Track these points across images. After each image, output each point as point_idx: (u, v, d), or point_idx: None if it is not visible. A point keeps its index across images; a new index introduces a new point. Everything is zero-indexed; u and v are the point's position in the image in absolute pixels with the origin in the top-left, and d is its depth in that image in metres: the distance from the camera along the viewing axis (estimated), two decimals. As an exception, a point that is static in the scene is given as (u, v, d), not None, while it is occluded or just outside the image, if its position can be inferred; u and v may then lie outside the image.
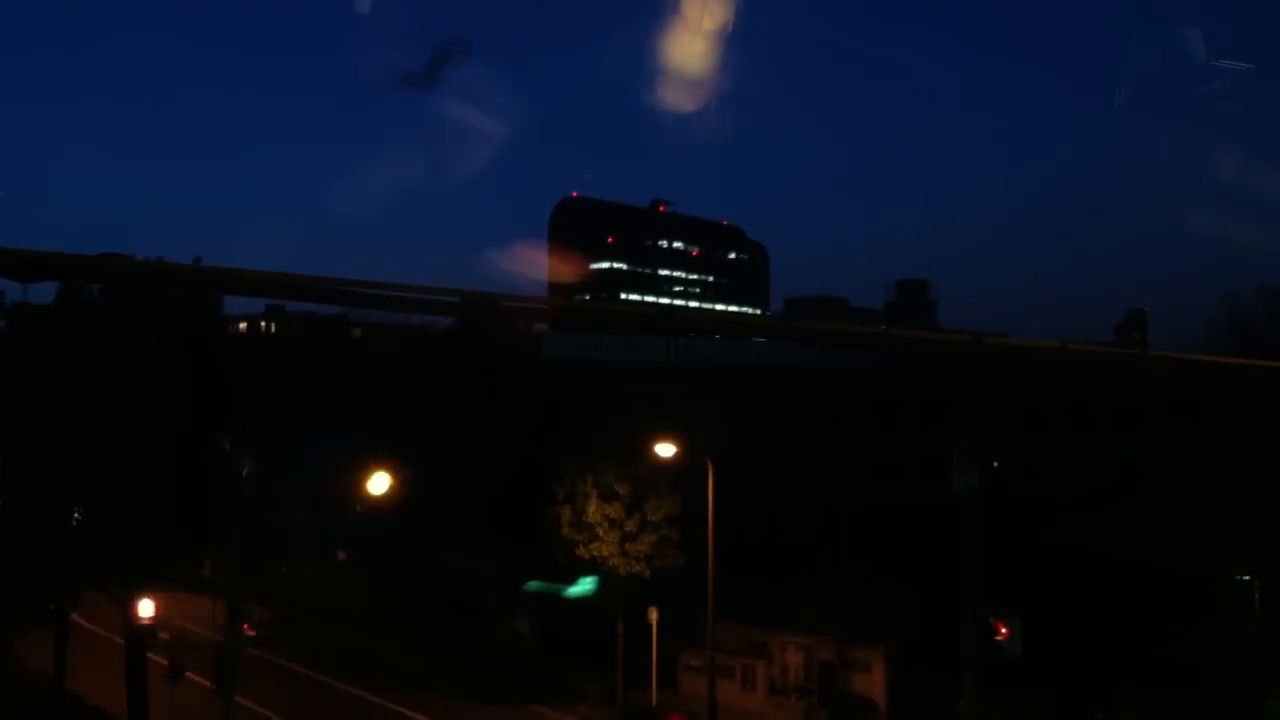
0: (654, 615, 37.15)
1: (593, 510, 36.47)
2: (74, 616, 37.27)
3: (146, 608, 32.46)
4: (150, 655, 33.99)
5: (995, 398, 79.54)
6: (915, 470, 64.64)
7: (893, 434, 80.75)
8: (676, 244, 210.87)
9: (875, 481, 73.36)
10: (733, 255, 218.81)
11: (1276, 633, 27.72)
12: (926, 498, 49.31)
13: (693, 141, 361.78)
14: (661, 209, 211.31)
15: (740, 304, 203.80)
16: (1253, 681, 25.89)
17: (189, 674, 33.96)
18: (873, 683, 36.15)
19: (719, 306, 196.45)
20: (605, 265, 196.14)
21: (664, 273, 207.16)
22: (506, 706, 39.23)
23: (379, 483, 24.92)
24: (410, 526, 48.84)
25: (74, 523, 34.27)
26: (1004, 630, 30.71)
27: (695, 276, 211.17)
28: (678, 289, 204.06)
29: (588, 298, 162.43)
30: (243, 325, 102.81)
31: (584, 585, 43.95)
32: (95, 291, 38.28)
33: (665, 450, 34.17)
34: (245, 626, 34.07)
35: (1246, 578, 39.90)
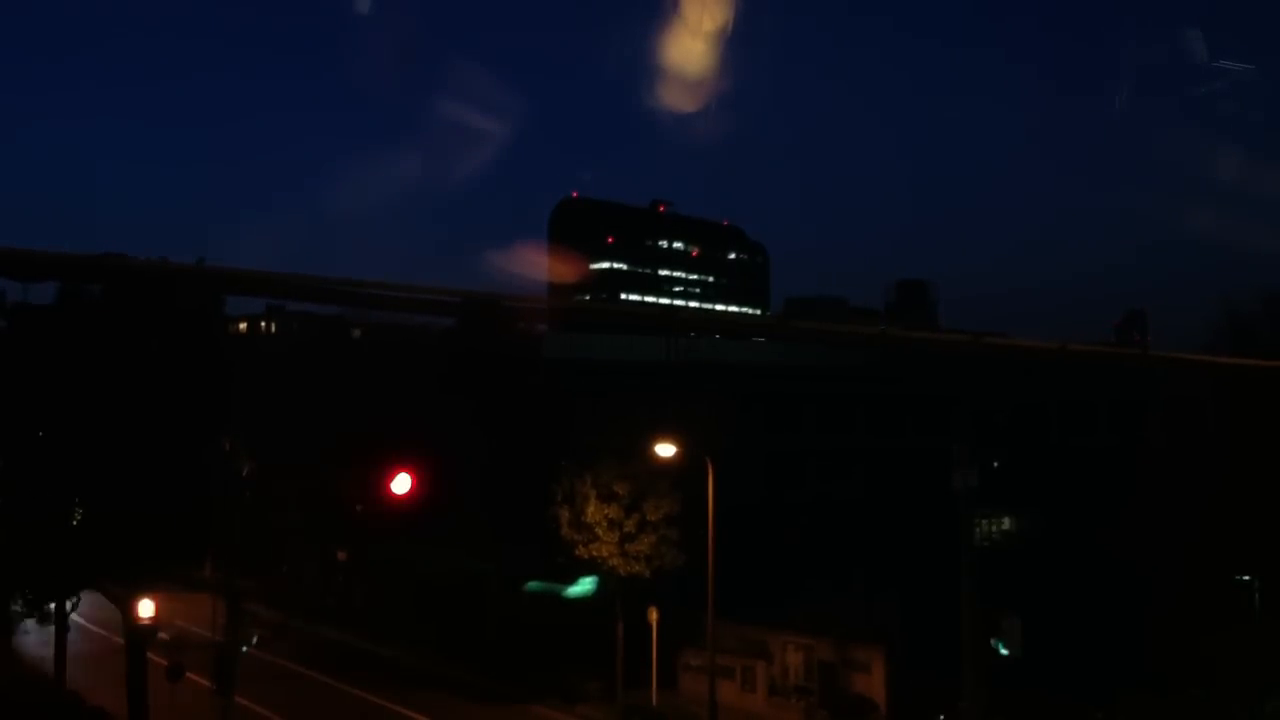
0: (654, 615, 37.13)
1: (591, 511, 36.43)
2: (74, 616, 37.28)
3: (146, 608, 32.47)
4: (150, 655, 33.99)
5: (995, 396, 79.57)
6: (915, 468, 64.59)
7: (893, 432, 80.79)
8: (676, 244, 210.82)
9: (875, 478, 73.42)
10: (733, 255, 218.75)
11: (1276, 633, 27.75)
12: (925, 495, 49.38)
13: (693, 141, 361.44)
14: (661, 209, 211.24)
15: (740, 304, 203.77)
16: (1253, 681, 25.90)
17: (189, 674, 33.98)
18: (873, 683, 36.10)
19: (719, 306, 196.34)
20: (605, 265, 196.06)
21: (664, 273, 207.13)
22: (506, 706, 39.22)
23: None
24: (410, 526, 48.83)
25: (74, 522, 34.29)
26: (1004, 630, 30.68)
27: (695, 276, 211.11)
28: (678, 289, 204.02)
29: (588, 298, 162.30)
30: (243, 325, 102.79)
31: (584, 585, 43.91)
32: (96, 291, 38.37)
33: (665, 450, 34.12)
34: (255, 639, 34.11)
35: (1246, 577, 39.94)
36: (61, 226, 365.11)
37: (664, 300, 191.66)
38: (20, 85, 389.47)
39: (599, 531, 36.45)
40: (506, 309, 72.78)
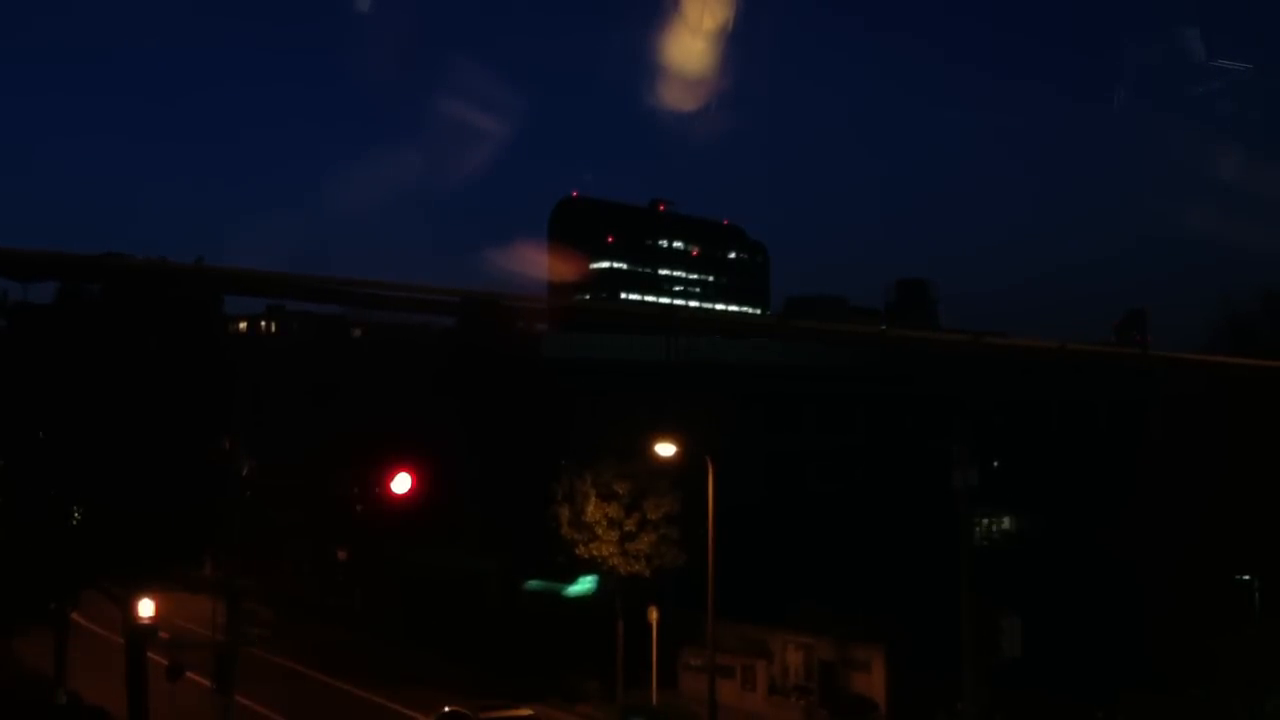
0: (654, 614, 37.13)
1: (592, 510, 36.42)
2: (74, 616, 37.26)
3: (147, 607, 32.51)
4: (150, 655, 33.99)
5: (995, 396, 79.59)
6: (915, 468, 64.57)
7: (893, 432, 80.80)
8: (676, 244, 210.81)
9: (875, 478, 73.35)
10: (733, 255, 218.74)
11: (1277, 633, 27.73)
12: (925, 495, 49.36)
13: (693, 141, 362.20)
14: (661, 208, 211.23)
15: (740, 304, 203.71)
16: (1253, 681, 25.90)
17: (189, 673, 33.97)
18: (872, 682, 36.09)
19: (719, 306, 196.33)
20: (605, 265, 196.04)
21: (664, 272, 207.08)
22: (507, 706, 39.16)
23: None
24: (410, 526, 48.88)
25: (74, 522, 34.30)
26: (1004, 630, 30.64)
27: (695, 276, 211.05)
28: (678, 289, 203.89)
29: (588, 297, 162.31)
30: (243, 325, 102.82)
31: (584, 584, 43.92)
32: (96, 291, 38.35)
33: (665, 450, 34.09)
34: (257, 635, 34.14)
35: (1246, 577, 39.92)
36: (62, 228, 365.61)
37: (664, 300, 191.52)
38: (19, 83, 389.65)
39: (599, 530, 36.45)
40: (506, 308, 72.84)
